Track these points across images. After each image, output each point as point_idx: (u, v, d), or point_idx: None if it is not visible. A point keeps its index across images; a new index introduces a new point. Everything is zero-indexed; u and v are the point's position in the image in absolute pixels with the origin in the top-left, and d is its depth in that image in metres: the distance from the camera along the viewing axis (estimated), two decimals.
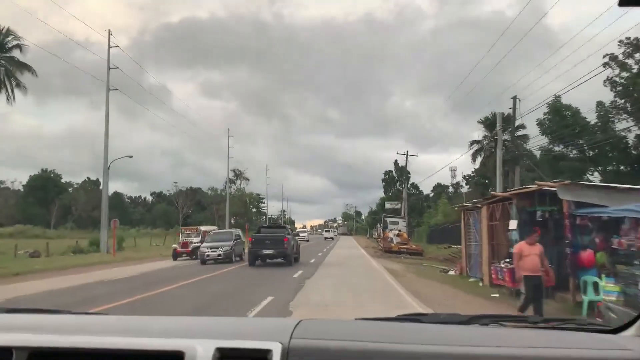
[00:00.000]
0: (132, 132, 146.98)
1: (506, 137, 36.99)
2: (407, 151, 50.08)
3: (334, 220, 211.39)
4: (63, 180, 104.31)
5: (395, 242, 37.39)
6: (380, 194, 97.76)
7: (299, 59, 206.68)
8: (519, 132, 35.48)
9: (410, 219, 56.25)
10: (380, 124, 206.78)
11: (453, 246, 37.06)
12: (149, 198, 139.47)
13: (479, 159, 41.45)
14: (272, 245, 21.63)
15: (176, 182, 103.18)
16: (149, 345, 1.25)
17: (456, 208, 17.68)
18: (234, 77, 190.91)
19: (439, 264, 23.18)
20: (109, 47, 33.59)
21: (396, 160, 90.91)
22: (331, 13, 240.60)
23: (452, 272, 16.83)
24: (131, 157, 35.15)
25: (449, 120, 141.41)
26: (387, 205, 77.86)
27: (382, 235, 44.28)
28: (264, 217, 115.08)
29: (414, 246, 35.26)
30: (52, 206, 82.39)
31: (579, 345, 1.31)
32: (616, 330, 1.50)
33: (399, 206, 76.89)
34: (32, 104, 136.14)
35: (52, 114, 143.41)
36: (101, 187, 41.90)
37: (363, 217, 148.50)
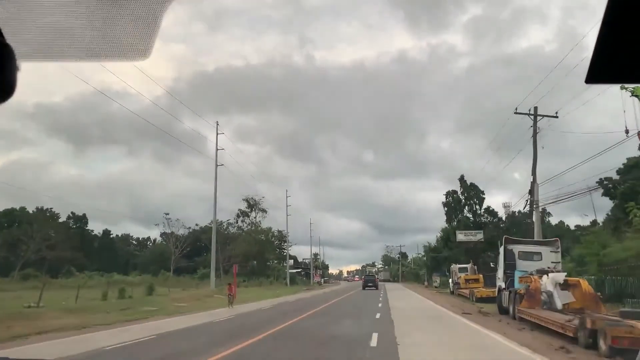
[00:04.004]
0: (167, 178, 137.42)
1: None
2: (536, 108, 24.99)
3: (373, 264, 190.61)
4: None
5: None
6: (424, 238, 72.79)
7: (331, 102, 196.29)
8: None
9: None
10: (417, 165, 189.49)
11: None
12: (159, 239, 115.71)
13: None
14: (370, 281, 58.04)
15: (167, 214, 79.13)
16: None
17: None
18: (267, 122, 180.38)
19: None
20: None
21: (462, 177, 65.40)
22: (363, 54, 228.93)
23: None
24: None
25: (487, 159, 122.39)
26: (460, 236, 51.86)
27: (521, 289, 18.23)
28: (286, 260, 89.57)
29: None
30: None
31: None
32: None
33: (479, 237, 50.80)
34: (70, 154, 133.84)
35: (90, 163, 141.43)
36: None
37: (410, 260, 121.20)
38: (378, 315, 18.86)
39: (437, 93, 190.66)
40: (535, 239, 22.24)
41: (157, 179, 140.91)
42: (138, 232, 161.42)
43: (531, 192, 23.94)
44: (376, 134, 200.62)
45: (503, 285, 18.92)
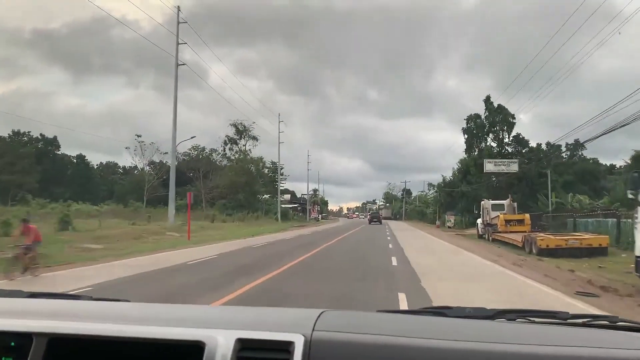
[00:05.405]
0: (166, 110, 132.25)
1: None
2: None
3: (374, 202, 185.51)
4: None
5: None
6: (428, 177, 62.87)
7: (336, 35, 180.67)
8: None
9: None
10: (422, 104, 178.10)
11: None
12: (147, 169, 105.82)
13: None
14: (375, 217, 72.74)
15: (139, 136, 68.62)
16: (170, 335, 1.24)
17: None
18: (270, 55, 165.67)
19: None
20: None
21: (488, 97, 54.32)
22: None
23: None
24: None
25: (497, 100, 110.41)
26: (489, 166, 41.67)
27: None
28: (277, 194, 80.00)
29: None
30: None
31: (610, 344, 1.19)
32: None
33: (512, 168, 40.67)
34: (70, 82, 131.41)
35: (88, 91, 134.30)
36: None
37: (414, 197, 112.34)
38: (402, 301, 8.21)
39: (446, 29, 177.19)
40: None
41: (154, 110, 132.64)
42: (133, 162, 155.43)
43: None
44: (382, 72, 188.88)
45: None
